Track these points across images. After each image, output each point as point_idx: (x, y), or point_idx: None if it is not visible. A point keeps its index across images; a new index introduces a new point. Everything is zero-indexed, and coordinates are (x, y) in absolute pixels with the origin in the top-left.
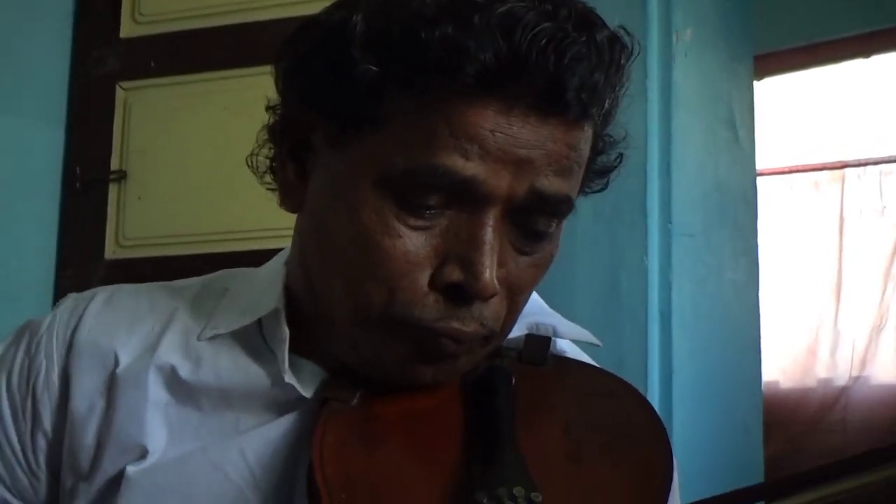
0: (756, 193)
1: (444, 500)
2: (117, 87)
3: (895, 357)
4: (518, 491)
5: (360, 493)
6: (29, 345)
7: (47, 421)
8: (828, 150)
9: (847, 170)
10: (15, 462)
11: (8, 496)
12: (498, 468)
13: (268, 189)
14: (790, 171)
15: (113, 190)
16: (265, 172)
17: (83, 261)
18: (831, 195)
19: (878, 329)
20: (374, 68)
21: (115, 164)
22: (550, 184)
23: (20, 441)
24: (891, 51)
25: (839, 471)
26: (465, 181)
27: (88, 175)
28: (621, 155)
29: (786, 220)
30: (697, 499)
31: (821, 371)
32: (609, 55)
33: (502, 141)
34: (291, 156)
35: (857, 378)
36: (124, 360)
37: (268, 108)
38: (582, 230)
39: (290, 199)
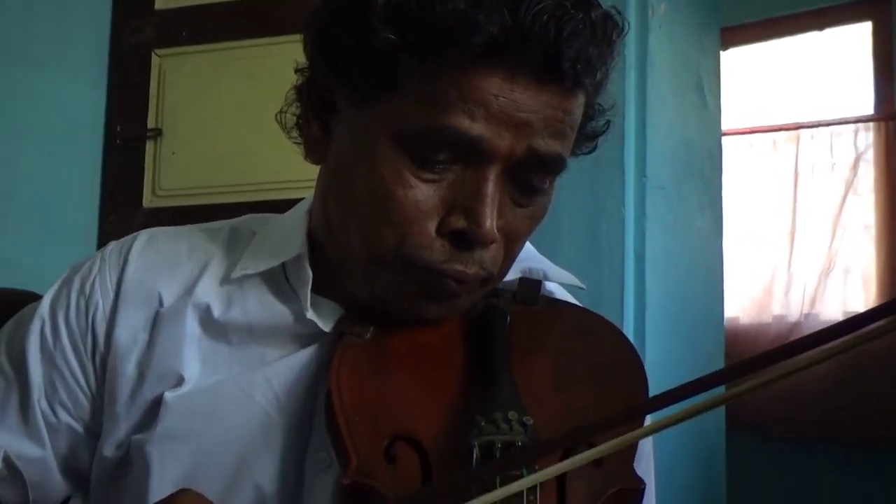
0: (720, 151)
1: (447, 422)
2: (153, 54)
3: (841, 297)
4: (512, 415)
5: (371, 416)
6: (82, 286)
7: (102, 350)
8: (784, 114)
9: (801, 131)
10: (78, 389)
11: (72, 422)
12: (494, 395)
13: (294, 143)
14: (751, 132)
15: (149, 146)
16: (292, 128)
17: (123, 209)
18: (787, 153)
19: (826, 272)
20: (393, 37)
21: (151, 123)
22: (546, 145)
23: (82, 370)
24: (841, 25)
25: (792, 350)
26: (471, 140)
27: (127, 133)
28: (608, 122)
29: (746, 175)
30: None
31: (776, 308)
32: (602, 31)
33: (505, 105)
34: (316, 114)
35: (807, 315)
36: (167, 300)
37: (296, 71)
38: (566, 183)
39: (314, 152)
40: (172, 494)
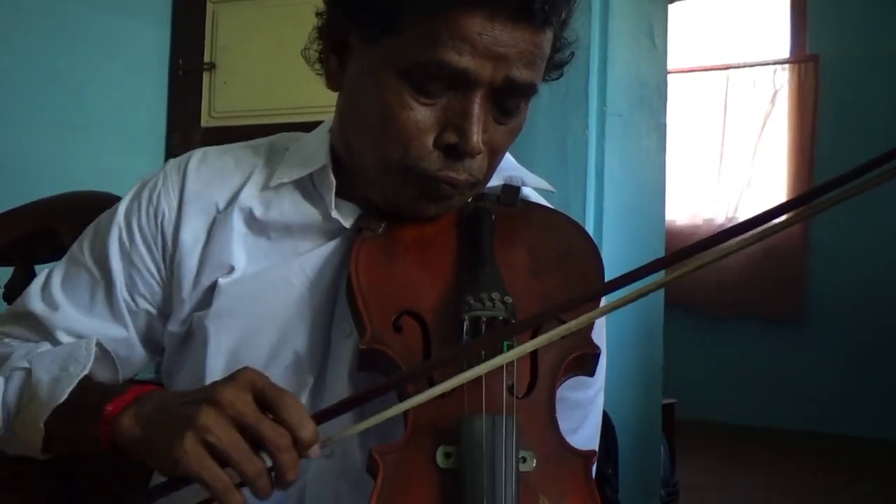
0: (666, 86)
1: (443, 299)
2: (208, 2)
3: (759, 205)
4: (495, 295)
5: (383, 295)
6: (150, 197)
7: (171, 248)
8: (717, 56)
9: (731, 70)
10: (152, 280)
11: (148, 307)
12: (481, 279)
13: (317, 74)
14: (690, 71)
15: (205, 77)
16: (315, 62)
17: (185, 128)
18: (719, 88)
19: (747, 185)
20: None
21: (206, 58)
22: (521, 74)
23: (154, 265)
24: None
25: (730, 233)
26: (459, 71)
27: (188, 66)
28: (573, 53)
29: (686, 106)
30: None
31: (706, 213)
32: None
33: (487, 41)
34: (334, 50)
35: (731, 219)
36: (221, 206)
37: (317, 15)
38: (541, 109)
39: (333, 82)
40: (234, 371)
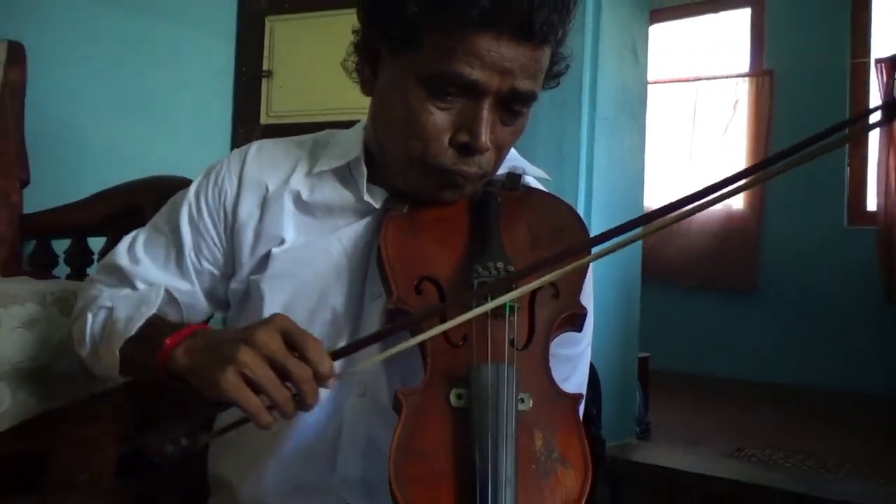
0: (646, 94)
1: (456, 268)
2: (265, 18)
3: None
4: (499, 264)
5: (406, 264)
6: (216, 178)
7: (231, 222)
8: (688, 70)
9: (699, 82)
10: (214, 247)
11: (211, 269)
12: (488, 250)
13: (353, 81)
14: (666, 82)
15: (264, 82)
16: (352, 71)
17: (247, 124)
18: (689, 97)
19: (711, 178)
20: (416, 8)
21: (265, 67)
22: (523, 84)
23: (217, 235)
24: (730, 10)
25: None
26: (471, 82)
27: (249, 73)
28: (567, 66)
29: (662, 111)
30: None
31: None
32: (563, 3)
33: (494, 57)
34: (367, 61)
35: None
36: (271, 188)
37: (353, 32)
38: (541, 113)
39: (366, 88)
40: (267, 317)
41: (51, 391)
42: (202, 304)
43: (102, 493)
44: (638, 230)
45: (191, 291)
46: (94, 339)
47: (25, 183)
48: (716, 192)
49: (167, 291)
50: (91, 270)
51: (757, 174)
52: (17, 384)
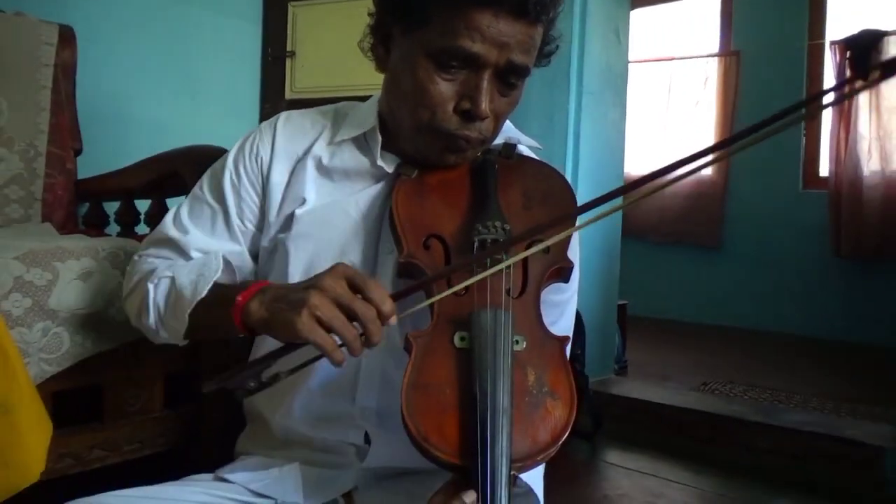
0: (627, 72)
1: (459, 226)
2: (289, 5)
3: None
4: (497, 223)
5: (415, 223)
6: (252, 146)
7: (264, 184)
8: (664, 50)
9: (674, 61)
10: (255, 208)
11: (253, 229)
12: (487, 211)
13: (369, 60)
14: (645, 61)
15: (288, 62)
16: (368, 50)
17: (273, 100)
18: (665, 75)
19: (683, 147)
20: None
21: (289, 47)
22: (519, 58)
23: (256, 197)
24: None
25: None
26: (472, 55)
27: (275, 53)
28: (557, 46)
29: (641, 87)
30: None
31: (653, 166)
32: None
33: (494, 32)
34: (381, 41)
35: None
36: (299, 155)
37: (369, 15)
38: (533, 89)
39: (381, 65)
40: (331, 266)
41: (105, 335)
42: (249, 262)
43: (153, 422)
44: (618, 201)
45: (240, 252)
46: (159, 307)
47: (79, 152)
48: (688, 164)
49: (224, 257)
50: (139, 229)
51: (725, 149)
52: (74, 329)
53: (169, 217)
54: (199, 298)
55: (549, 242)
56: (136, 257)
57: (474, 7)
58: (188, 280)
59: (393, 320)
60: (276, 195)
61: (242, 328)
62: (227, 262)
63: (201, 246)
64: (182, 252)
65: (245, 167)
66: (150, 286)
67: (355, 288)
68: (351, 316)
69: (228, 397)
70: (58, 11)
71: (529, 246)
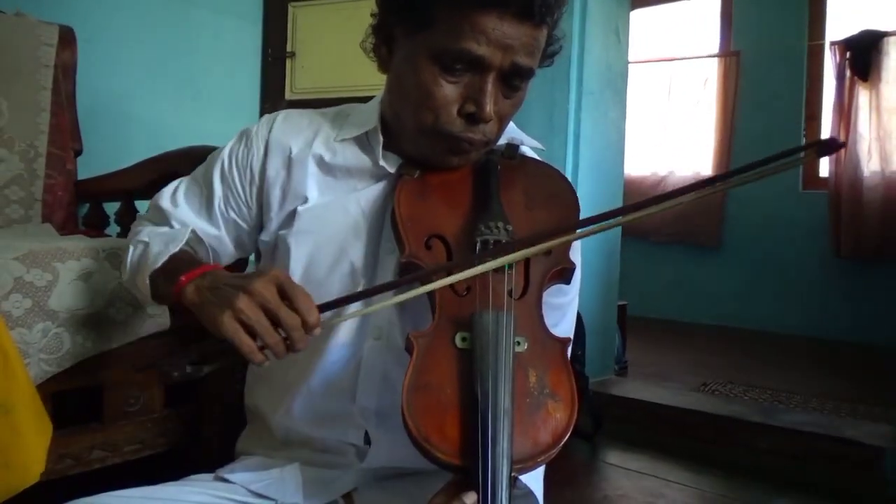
0: (627, 72)
1: (461, 226)
2: (289, 5)
3: (691, 163)
4: (500, 224)
5: (417, 222)
6: (247, 139)
7: (258, 180)
8: (665, 51)
9: (674, 62)
10: (242, 202)
11: (237, 220)
12: (489, 211)
13: (371, 60)
14: (645, 61)
15: (288, 62)
16: (370, 51)
17: (273, 100)
18: (665, 75)
19: (683, 148)
20: None
21: (289, 48)
22: (523, 60)
23: (244, 191)
24: None
25: (674, 194)
26: (477, 57)
27: (275, 53)
28: (560, 47)
29: (641, 87)
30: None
31: (652, 168)
32: None
33: (499, 35)
34: (384, 42)
35: (670, 171)
36: (294, 151)
37: (372, 15)
38: (534, 88)
39: (383, 66)
40: (265, 269)
41: (105, 335)
42: (228, 248)
43: (153, 422)
44: (618, 219)
45: (217, 235)
46: (133, 267)
47: (79, 152)
48: (688, 192)
49: (194, 232)
50: None
51: (717, 185)
52: (75, 329)
53: (170, 188)
54: (154, 268)
55: (550, 244)
56: (138, 217)
57: (480, 9)
58: (156, 249)
59: (317, 331)
60: (276, 191)
61: (181, 306)
62: (200, 239)
63: (184, 220)
64: (166, 222)
65: (237, 159)
66: (132, 248)
67: (285, 295)
68: (276, 322)
69: (230, 394)
70: (58, 12)
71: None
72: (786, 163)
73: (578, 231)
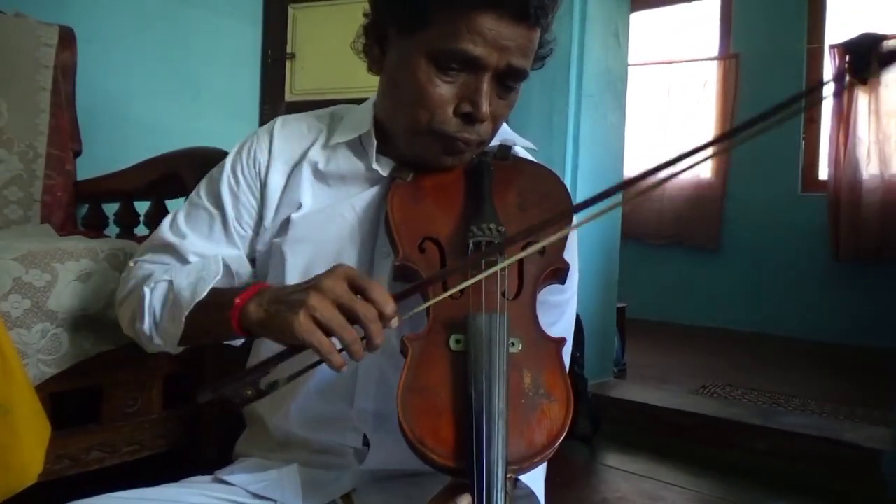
0: (627, 75)
1: (454, 229)
2: (289, 7)
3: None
4: (492, 225)
5: (411, 226)
6: (250, 150)
7: (262, 189)
8: (664, 53)
9: (673, 64)
10: (253, 213)
11: (250, 233)
12: (482, 213)
13: (363, 61)
14: (644, 64)
15: (288, 64)
16: (361, 51)
17: (273, 101)
18: (664, 78)
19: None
20: None
21: (288, 50)
22: (518, 61)
23: (254, 202)
24: None
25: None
26: (473, 58)
27: (275, 55)
28: (552, 49)
29: (641, 91)
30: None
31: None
32: None
33: (495, 35)
34: (376, 42)
35: (670, 173)
36: (294, 158)
37: (364, 15)
38: (534, 92)
39: (375, 66)
40: (332, 267)
41: (104, 336)
42: (247, 267)
43: (151, 423)
44: (616, 198)
45: (238, 257)
46: (155, 311)
47: (78, 153)
48: (687, 157)
49: (224, 260)
50: (138, 231)
51: (724, 141)
52: (74, 330)
53: (166, 223)
54: (198, 300)
55: (544, 243)
56: (131, 263)
57: (476, 10)
58: (187, 283)
59: (395, 322)
60: (273, 200)
61: (240, 331)
62: (226, 267)
63: (199, 250)
64: (180, 257)
65: (243, 172)
66: (147, 290)
67: (356, 289)
68: (351, 318)
69: (226, 402)
70: (57, 12)
71: (525, 247)
72: (791, 109)
73: (574, 222)
